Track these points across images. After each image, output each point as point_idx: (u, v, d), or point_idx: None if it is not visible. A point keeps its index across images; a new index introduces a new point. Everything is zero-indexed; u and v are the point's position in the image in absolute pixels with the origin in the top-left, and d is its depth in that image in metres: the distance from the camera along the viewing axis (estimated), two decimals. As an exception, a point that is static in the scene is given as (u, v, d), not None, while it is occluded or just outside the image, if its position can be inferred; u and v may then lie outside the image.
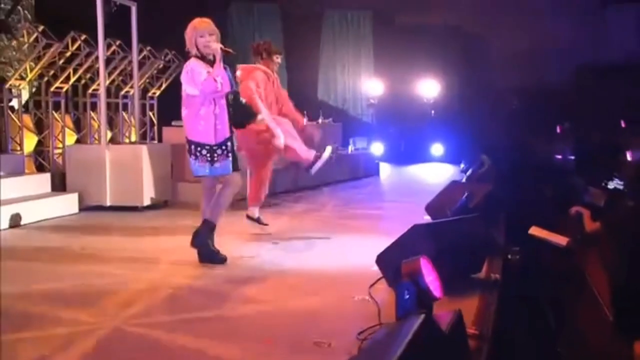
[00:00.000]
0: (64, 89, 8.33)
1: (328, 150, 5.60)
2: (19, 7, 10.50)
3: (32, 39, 7.61)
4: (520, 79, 14.38)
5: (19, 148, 7.71)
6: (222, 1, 12.95)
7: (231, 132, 4.73)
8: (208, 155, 4.61)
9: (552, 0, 13.99)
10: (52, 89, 8.08)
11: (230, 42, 13.47)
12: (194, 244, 4.77)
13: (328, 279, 4.42)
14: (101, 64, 7.25)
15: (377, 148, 13.89)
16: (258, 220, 5.94)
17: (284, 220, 6.81)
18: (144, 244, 5.59)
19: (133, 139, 9.41)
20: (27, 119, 8.08)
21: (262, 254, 5.16)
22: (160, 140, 8.83)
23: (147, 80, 10.18)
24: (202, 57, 4.62)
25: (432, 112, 14.77)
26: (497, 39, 14.62)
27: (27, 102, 8.25)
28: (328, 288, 4.16)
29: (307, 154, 5.63)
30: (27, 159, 7.98)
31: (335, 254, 5.23)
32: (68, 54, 8.30)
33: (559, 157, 12.19)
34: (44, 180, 7.24)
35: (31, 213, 6.63)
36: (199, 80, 4.51)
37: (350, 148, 11.06)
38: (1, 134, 7.55)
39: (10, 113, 7.63)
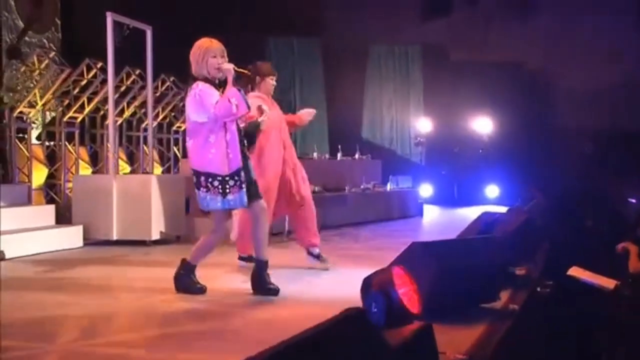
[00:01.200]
0: (79, 119, 8.38)
1: None
2: (44, 40, 10.81)
3: (43, 65, 7.69)
4: (595, 120, 13.83)
5: (27, 179, 7.72)
6: (259, 36, 13.03)
7: (245, 159, 4.55)
8: (220, 187, 4.44)
9: (635, 40, 13.50)
10: (65, 118, 8.13)
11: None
12: (177, 288, 4.58)
13: (324, 306, 4.11)
14: (110, 90, 7.24)
15: (426, 189, 13.51)
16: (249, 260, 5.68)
17: (287, 253, 6.56)
18: (139, 273, 5.40)
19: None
20: (38, 150, 8.13)
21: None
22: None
23: (172, 113, 10.21)
24: (209, 81, 4.49)
25: (486, 151, 14.33)
26: (568, 78, 14.17)
27: (40, 132, 8.32)
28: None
29: None
30: (36, 192, 8.01)
31: (336, 282, 5.02)
32: (83, 82, 8.37)
33: (633, 201, 11.56)
34: (47, 212, 7.20)
35: (31, 245, 6.58)
36: (210, 104, 4.35)
37: (389, 186, 10.74)
38: (8, 163, 7.58)
39: (19, 142, 7.67)
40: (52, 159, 8.27)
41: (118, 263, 6.15)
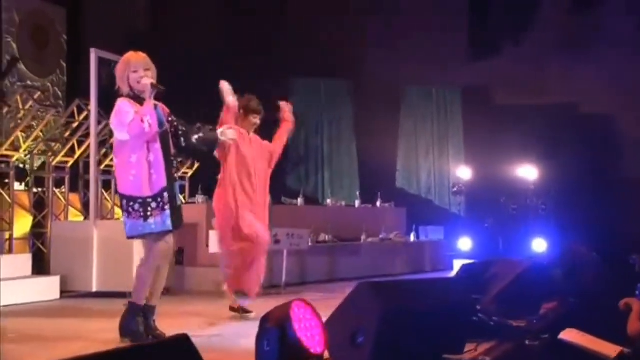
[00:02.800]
0: (69, 164, 8.43)
1: None
2: (48, 83, 11.06)
3: (27, 105, 7.81)
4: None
5: (8, 228, 7.75)
6: (282, 76, 13.08)
7: (171, 182, 4.46)
8: (141, 210, 4.37)
9: None
10: (54, 163, 8.19)
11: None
12: (121, 333, 4.44)
13: None
14: (92, 130, 7.29)
15: (465, 243, 13.12)
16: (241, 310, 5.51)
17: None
18: (109, 324, 5.26)
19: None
20: (24, 197, 8.18)
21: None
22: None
23: (179, 159, 10.23)
24: (136, 97, 4.50)
25: (534, 202, 13.90)
26: (631, 123, 13.77)
27: (28, 179, 8.40)
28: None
29: None
30: (21, 242, 8.03)
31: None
32: (75, 124, 8.46)
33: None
34: (23, 262, 7.18)
35: (4, 296, 6.51)
36: (126, 122, 4.36)
37: (413, 237, 10.45)
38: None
39: (0, 189, 7.74)
40: (40, 206, 8.31)
41: (88, 315, 6.04)
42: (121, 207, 4.49)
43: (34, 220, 8.20)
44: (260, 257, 5.56)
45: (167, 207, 4.42)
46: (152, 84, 4.41)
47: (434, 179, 14.66)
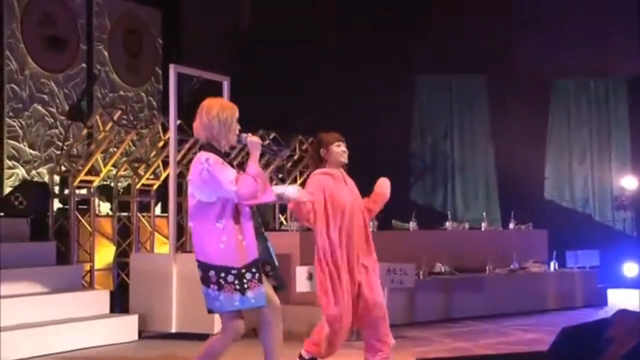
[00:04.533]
0: (155, 187, 8.92)
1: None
2: (142, 93, 11.71)
3: (108, 127, 8.34)
4: None
5: (89, 258, 8.33)
6: (405, 75, 13.12)
7: (263, 239, 4.68)
8: (237, 282, 4.54)
9: None
10: (138, 186, 8.70)
11: (417, 123, 13.52)
12: None
13: None
14: (172, 150, 7.68)
15: (631, 269, 12.62)
16: None
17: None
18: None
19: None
20: (107, 224, 8.74)
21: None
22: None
23: (279, 175, 10.56)
24: (218, 152, 4.64)
25: None
26: None
27: (111, 204, 8.97)
28: None
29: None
30: (104, 273, 8.60)
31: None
32: (161, 144, 8.94)
33: None
34: (100, 299, 7.70)
35: (78, 338, 7.08)
36: (228, 180, 4.49)
37: (553, 266, 10.22)
38: (68, 242, 8.23)
39: (79, 216, 8.32)
40: (124, 233, 8.85)
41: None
42: (204, 278, 4.60)
43: (117, 248, 8.75)
44: None
45: (261, 280, 4.58)
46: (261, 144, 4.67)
47: (592, 190, 14.15)
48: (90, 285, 8.24)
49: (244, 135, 4.72)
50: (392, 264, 7.67)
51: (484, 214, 10.65)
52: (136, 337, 7.51)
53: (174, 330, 7.47)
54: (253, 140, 4.69)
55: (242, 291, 4.52)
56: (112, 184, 9.06)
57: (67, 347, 6.98)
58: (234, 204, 4.53)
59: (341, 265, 5.50)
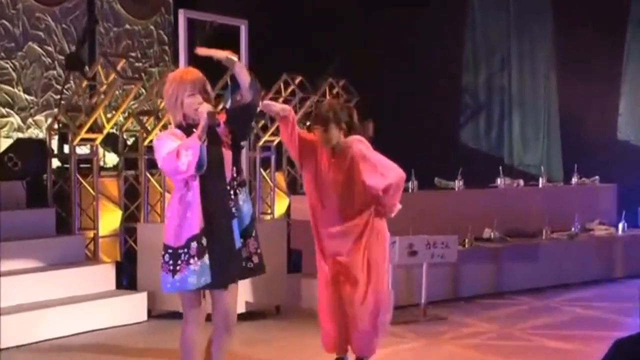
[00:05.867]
0: (165, 142, 9.03)
1: None
2: (151, 26, 11.70)
3: (110, 79, 8.41)
4: None
5: (92, 225, 8.51)
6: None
7: (227, 218, 4.77)
8: (171, 262, 4.71)
9: None
10: (146, 142, 8.81)
11: (469, 53, 13.26)
12: None
13: None
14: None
15: None
16: None
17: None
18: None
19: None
20: (112, 186, 8.89)
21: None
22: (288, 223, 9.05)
23: (307, 123, 10.61)
24: (188, 128, 4.71)
25: None
26: None
27: (118, 155, 9.09)
28: None
29: None
30: (109, 240, 8.78)
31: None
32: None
33: None
34: (106, 274, 7.92)
35: (81, 320, 7.31)
36: (160, 155, 4.66)
37: (622, 227, 10.19)
38: (69, 207, 8.40)
39: (81, 178, 8.46)
40: (132, 195, 9.00)
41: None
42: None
43: (124, 212, 8.91)
44: None
45: (193, 260, 4.64)
46: (209, 113, 4.63)
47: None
48: (95, 256, 8.41)
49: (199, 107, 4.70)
50: (432, 237, 7.77)
51: (542, 168, 10.63)
52: (145, 317, 7.74)
53: (186, 309, 7.61)
54: (200, 109, 4.67)
55: (173, 272, 4.66)
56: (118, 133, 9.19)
57: (70, 330, 7.22)
58: (184, 179, 4.66)
59: None
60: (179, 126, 4.77)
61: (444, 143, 12.17)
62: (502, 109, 13.18)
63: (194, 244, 4.66)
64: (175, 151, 4.58)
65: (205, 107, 4.69)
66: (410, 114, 11.58)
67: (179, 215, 4.69)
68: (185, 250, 4.66)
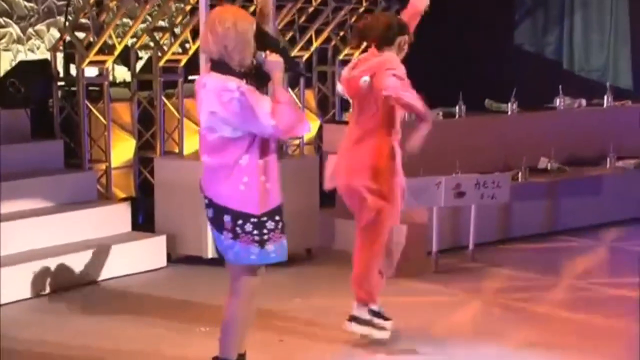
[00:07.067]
0: (182, 62, 9.11)
1: None
2: None
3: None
4: None
5: (104, 157, 8.68)
6: None
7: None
8: (256, 231, 4.80)
9: None
10: (161, 62, 8.90)
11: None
12: None
13: None
14: (202, 18, 7.72)
15: None
16: (373, 322, 6.00)
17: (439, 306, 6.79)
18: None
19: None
20: (124, 111, 9.01)
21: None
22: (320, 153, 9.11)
23: (340, 34, 10.69)
24: (241, 75, 4.76)
25: None
26: None
27: (130, 69, 9.20)
28: None
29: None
30: (123, 172, 8.95)
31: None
32: (188, 7, 9.08)
33: None
34: (120, 214, 8.09)
35: (92, 269, 7.51)
36: (264, 112, 4.64)
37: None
38: (77, 137, 8.56)
39: (90, 105, 8.59)
40: (146, 122, 9.13)
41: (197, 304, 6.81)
42: (217, 222, 4.85)
43: (138, 140, 9.06)
44: None
45: (285, 231, 4.90)
46: (293, 62, 4.87)
47: None
48: (107, 192, 8.59)
49: (261, 53, 4.79)
50: (482, 176, 7.87)
51: (608, 85, 10.57)
52: (164, 263, 7.94)
53: (210, 255, 7.74)
54: (273, 59, 4.77)
55: (262, 243, 4.78)
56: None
57: (83, 278, 7.42)
58: (262, 138, 4.74)
59: None
60: (232, 73, 4.72)
61: (496, 49, 12.07)
62: (562, 7, 13.02)
63: (277, 217, 4.85)
64: (288, 107, 4.70)
65: (275, 57, 4.80)
66: (456, 17, 11.42)
67: (259, 181, 4.78)
68: (277, 218, 4.85)
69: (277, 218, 4.85)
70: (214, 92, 4.70)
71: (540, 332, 6.27)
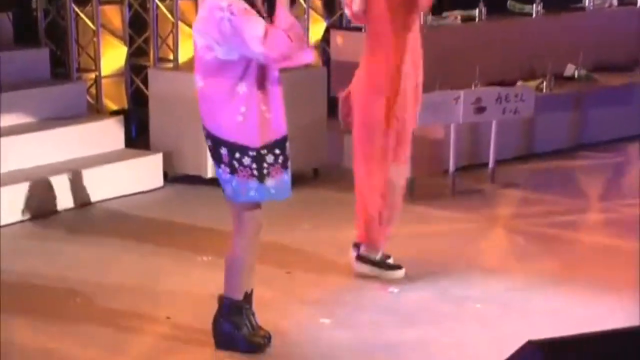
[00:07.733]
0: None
1: None
2: None
3: None
4: None
5: (93, 66, 8.58)
6: None
7: None
8: (254, 165, 4.78)
9: None
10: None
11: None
12: (218, 344, 5.05)
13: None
14: None
15: None
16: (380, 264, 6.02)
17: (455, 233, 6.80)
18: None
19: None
20: (114, 15, 8.88)
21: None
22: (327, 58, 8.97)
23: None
24: None
25: None
26: None
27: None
28: None
29: None
30: (114, 80, 8.87)
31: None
32: None
33: None
34: (113, 130, 8.02)
35: (83, 189, 7.47)
36: (256, 36, 4.53)
37: None
38: (65, 44, 8.44)
39: (77, 9, 8.44)
40: (138, 26, 9.01)
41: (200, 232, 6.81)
42: (215, 154, 4.83)
43: (130, 47, 8.95)
44: None
45: (289, 163, 4.87)
46: None
47: None
48: (98, 104, 8.52)
49: None
50: (504, 89, 7.79)
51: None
52: (161, 183, 7.92)
53: (209, 175, 7.71)
54: None
55: (261, 178, 4.77)
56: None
57: (73, 201, 7.39)
58: (260, 64, 4.67)
59: None
60: None
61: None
62: None
63: (277, 150, 4.81)
64: (283, 33, 4.56)
65: None
66: None
67: (259, 110, 4.74)
68: (277, 152, 4.82)
69: (277, 152, 4.82)
70: (209, 9, 4.64)
71: (565, 263, 6.26)
